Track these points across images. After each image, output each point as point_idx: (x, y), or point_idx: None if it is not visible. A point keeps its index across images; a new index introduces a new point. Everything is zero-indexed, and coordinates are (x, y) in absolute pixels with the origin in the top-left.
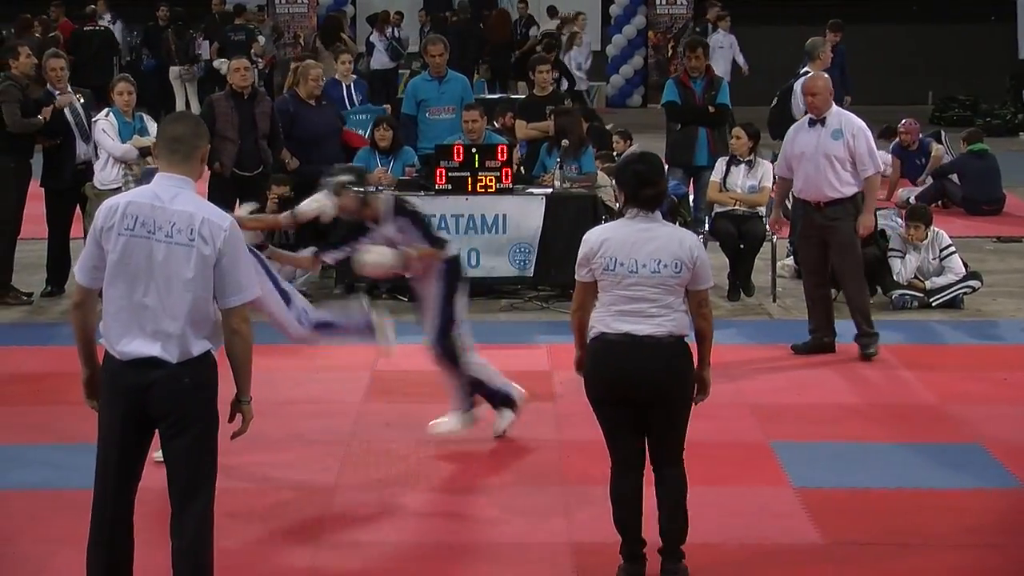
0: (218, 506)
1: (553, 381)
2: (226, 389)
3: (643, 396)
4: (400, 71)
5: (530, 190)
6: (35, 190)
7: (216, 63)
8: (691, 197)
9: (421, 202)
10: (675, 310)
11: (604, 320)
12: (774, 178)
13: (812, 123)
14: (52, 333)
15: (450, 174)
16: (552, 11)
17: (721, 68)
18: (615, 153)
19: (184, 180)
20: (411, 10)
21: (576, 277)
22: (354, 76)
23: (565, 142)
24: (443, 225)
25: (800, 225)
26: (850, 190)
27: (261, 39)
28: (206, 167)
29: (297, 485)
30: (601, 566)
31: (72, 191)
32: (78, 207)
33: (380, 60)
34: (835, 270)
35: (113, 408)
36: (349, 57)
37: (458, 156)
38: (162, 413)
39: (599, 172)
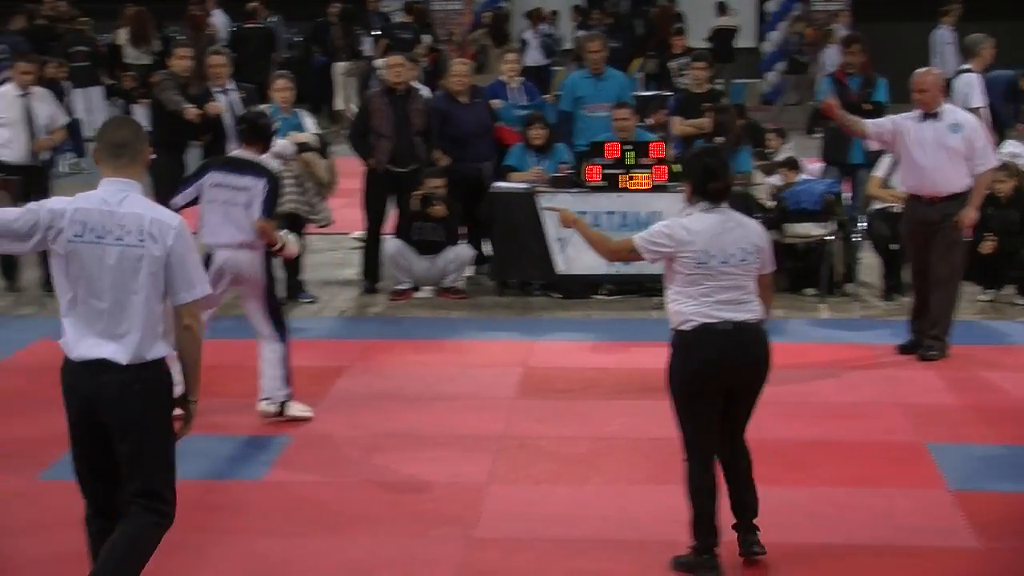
0: (371, 500)
1: None
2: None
3: (744, 381)
4: (553, 68)
5: (683, 188)
6: None
7: (378, 61)
8: (847, 195)
9: (574, 199)
10: (755, 295)
11: (702, 310)
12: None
13: (924, 117)
14: (210, 326)
15: (604, 171)
16: (722, 8)
17: (951, 65)
18: (769, 151)
19: (130, 183)
20: (565, 7)
21: (641, 244)
22: (521, 79)
23: (720, 139)
24: (595, 222)
25: (908, 221)
26: (965, 184)
27: (426, 38)
28: (368, 162)
29: (449, 480)
30: (747, 561)
31: None
32: None
33: (534, 57)
34: (933, 267)
35: (69, 409)
36: (515, 57)
37: (612, 153)
38: (110, 416)
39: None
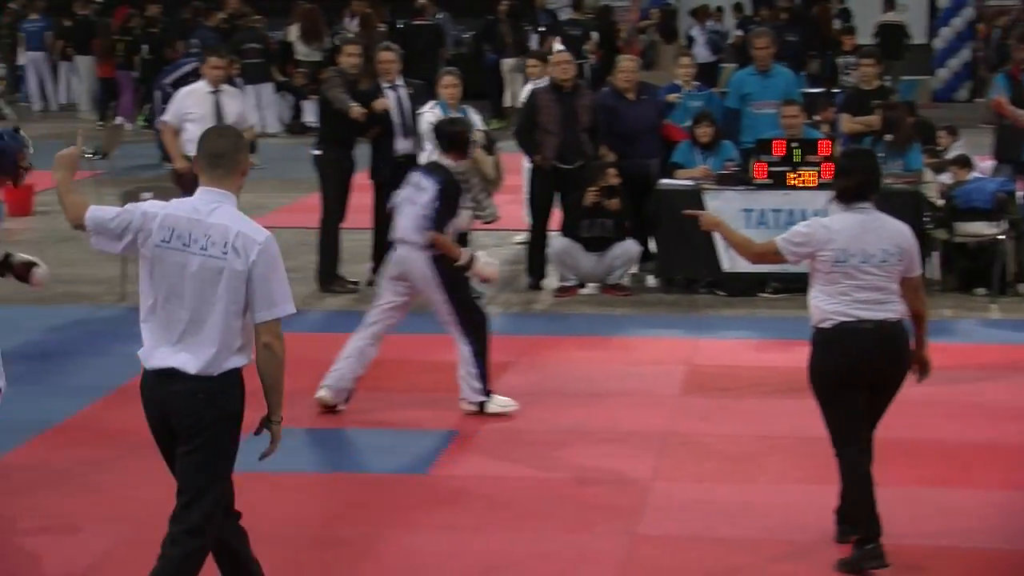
0: (535, 495)
1: None
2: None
3: (881, 379)
4: (720, 65)
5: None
6: (366, 182)
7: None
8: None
9: (740, 196)
10: (898, 295)
11: (840, 309)
12: None
13: None
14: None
15: (770, 169)
16: (889, 3)
17: None
18: (939, 149)
19: (224, 194)
20: (729, 3)
21: (783, 245)
22: (696, 83)
23: (889, 137)
24: (762, 220)
25: None
26: None
27: (595, 35)
28: (534, 159)
29: (613, 476)
30: (918, 566)
31: (393, 183)
32: None
33: (701, 54)
34: None
35: (148, 421)
36: (689, 60)
37: (779, 150)
38: (178, 424)
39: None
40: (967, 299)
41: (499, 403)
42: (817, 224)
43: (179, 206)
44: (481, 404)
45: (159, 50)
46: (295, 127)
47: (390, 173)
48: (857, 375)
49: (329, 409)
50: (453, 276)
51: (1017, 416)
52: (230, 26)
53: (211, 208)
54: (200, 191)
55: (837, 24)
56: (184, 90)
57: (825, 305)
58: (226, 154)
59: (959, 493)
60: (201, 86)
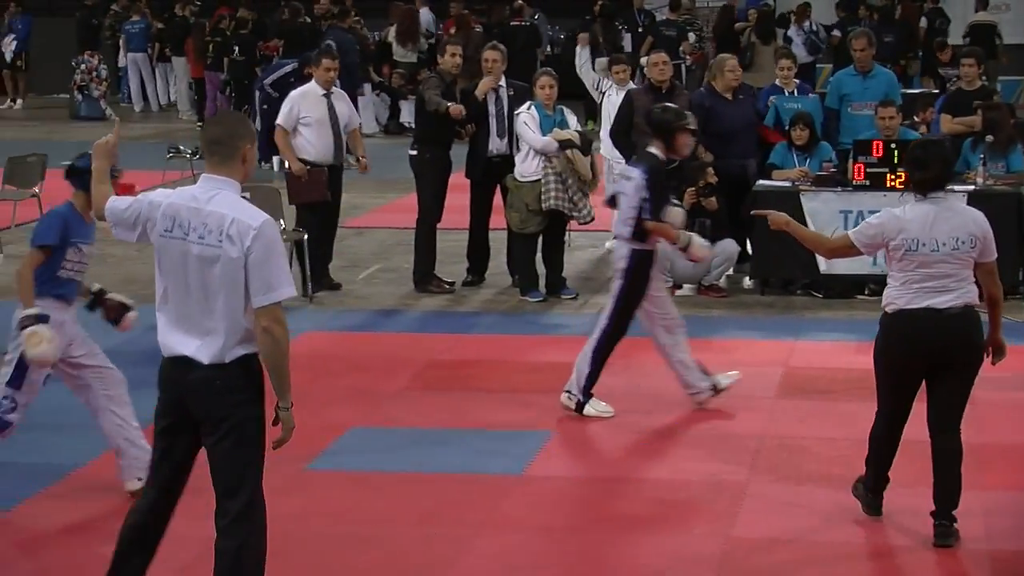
0: (630, 497)
1: None
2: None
3: (944, 363)
4: (818, 65)
5: (952, 187)
6: (464, 181)
7: (642, 59)
8: None
9: (838, 198)
10: (968, 282)
11: (905, 296)
12: None
13: None
14: (473, 322)
15: (868, 170)
16: (983, 2)
17: None
18: None
19: (225, 181)
20: (828, 4)
21: (856, 239)
22: (797, 82)
23: (990, 138)
24: (859, 221)
25: None
26: None
27: (691, 36)
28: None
29: (709, 478)
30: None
31: (488, 182)
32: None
33: (799, 54)
34: None
35: (160, 401)
36: (789, 63)
37: (877, 151)
38: (199, 413)
39: None
40: None
41: (597, 408)
42: (889, 215)
43: (181, 195)
44: (579, 404)
45: (250, 51)
46: (392, 127)
47: (483, 172)
48: (912, 359)
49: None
50: (638, 276)
51: None
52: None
53: (210, 196)
54: (201, 179)
55: (923, 23)
56: (297, 93)
57: (892, 291)
58: (222, 140)
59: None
60: (314, 88)
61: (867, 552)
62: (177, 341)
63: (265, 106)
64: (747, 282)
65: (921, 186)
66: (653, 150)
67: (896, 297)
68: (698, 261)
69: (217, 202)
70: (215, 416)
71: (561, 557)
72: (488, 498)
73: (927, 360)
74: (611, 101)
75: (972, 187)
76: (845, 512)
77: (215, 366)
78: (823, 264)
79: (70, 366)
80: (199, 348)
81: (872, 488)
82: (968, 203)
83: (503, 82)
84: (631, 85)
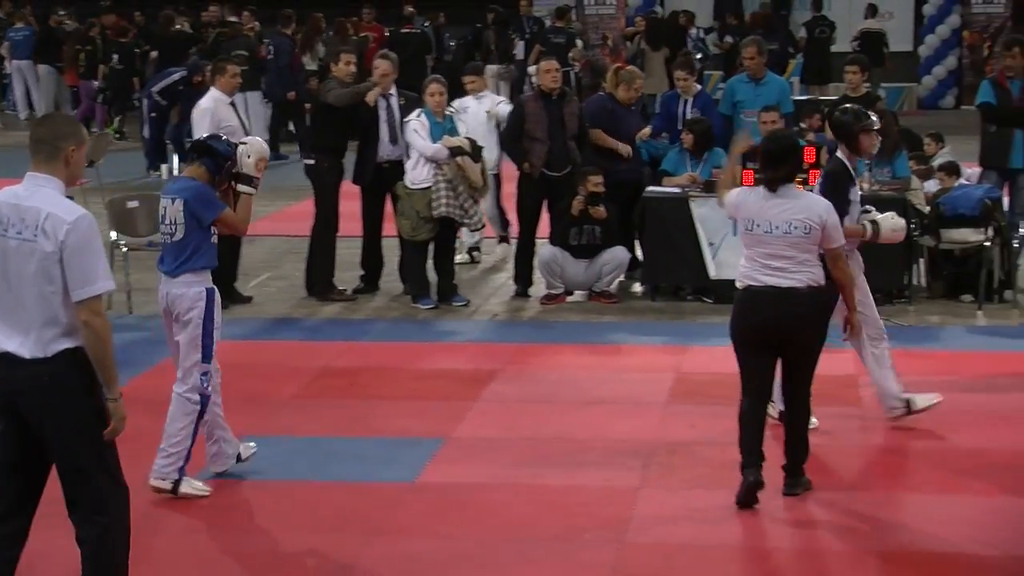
0: (523, 504)
1: (859, 386)
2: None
3: (786, 338)
4: (706, 72)
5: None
6: (353, 189)
7: (531, 67)
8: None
9: None
10: (810, 264)
11: (750, 274)
12: None
13: None
14: (365, 329)
15: (757, 175)
16: (872, 10)
17: None
18: (927, 156)
19: (47, 179)
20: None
21: (727, 200)
22: (698, 87)
23: None
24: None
25: None
26: None
27: (579, 43)
28: (522, 167)
29: (601, 485)
30: (908, 572)
31: (379, 189)
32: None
33: None
34: None
35: None
36: (684, 73)
37: None
38: (27, 410)
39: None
40: (954, 306)
41: (927, 399)
42: (742, 191)
43: (5, 193)
44: (908, 407)
45: (130, 60)
46: (281, 135)
47: (373, 179)
48: (758, 333)
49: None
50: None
51: (1004, 422)
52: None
53: (31, 192)
54: (26, 177)
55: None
56: (208, 102)
57: (741, 268)
58: (46, 140)
59: (948, 500)
60: (220, 96)
61: (758, 555)
62: (2, 337)
63: (153, 114)
64: (638, 288)
65: (771, 184)
66: (839, 154)
67: (745, 275)
68: (896, 241)
69: (36, 198)
70: (47, 412)
71: (454, 564)
72: (381, 506)
73: (773, 335)
74: (469, 112)
75: (859, 193)
76: (737, 516)
77: (38, 360)
78: (713, 270)
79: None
80: (21, 344)
81: (744, 465)
82: None
83: (393, 90)
84: (486, 93)
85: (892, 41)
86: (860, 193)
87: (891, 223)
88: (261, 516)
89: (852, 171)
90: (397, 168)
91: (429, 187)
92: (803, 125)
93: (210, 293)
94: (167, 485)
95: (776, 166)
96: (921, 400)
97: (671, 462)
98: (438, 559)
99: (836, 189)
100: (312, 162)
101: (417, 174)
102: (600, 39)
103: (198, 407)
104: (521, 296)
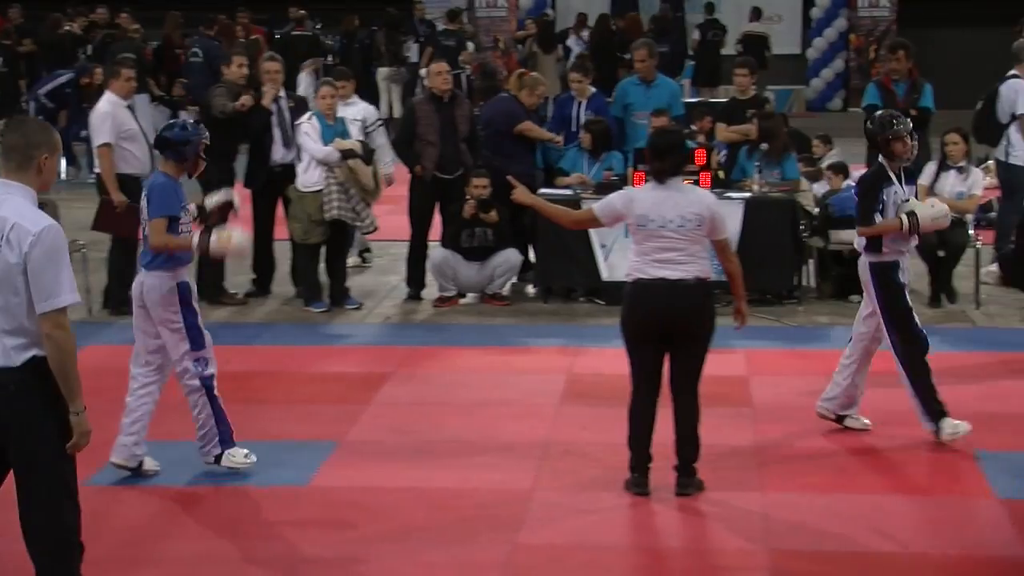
0: (416, 506)
1: (751, 386)
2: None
3: (676, 331)
4: None
5: (729, 194)
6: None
7: (422, 70)
8: None
9: None
10: (699, 257)
11: (641, 268)
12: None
13: None
14: (257, 333)
15: (648, 177)
16: (756, 13)
17: None
18: (815, 157)
19: (17, 187)
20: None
21: (599, 211)
22: (592, 90)
23: (764, 146)
24: None
25: None
26: None
27: (471, 45)
28: (414, 170)
29: (494, 486)
30: (799, 571)
31: (271, 193)
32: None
33: None
34: None
35: None
36: (578, 75)
37: None
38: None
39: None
40: (842, 306)
41: (952, 427)
42: (626, 193)
43: None
44: (936, 428)
45: (14, 62)
46: None
47: (265, 183)
48: (648, 326)
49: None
50: (886, 286)
51: (891, 421)
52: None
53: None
54: None
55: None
56: (107, 104)
57: (631, 263)
58: (18, 148)
59: (836, 498)
60: (116, 100)
61: (650, 556)
62: None
63: (40, 116)
64: (530, 290)
65: (659, 175)
66: (881, 159)
67: (634, 268)
68: (941, 228)
69: (4, 207)
70: (10, 421)
71: (347, 567)
72: (274, 510)
73: (661, 327)
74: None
75: (748, 194)
76: (629, 517)
77: (5, 370)
78: (605, 272)
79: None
80: None
81: (635, 466)
82: (745, 210)
83: (282, 92)
84: (355, 99)
85: (780, 44)
86: (749, 195)
87: (930, 212)
88: (152, 521)
89: (892, 175)
90: (289, 171)
91: (321, 190)
92: (694, 127)
93: (182, 287)
94: (210, 460)
95: (662, 157)
96: (859, 423)
97: (563, 463)
98: (331, 562)
99: (864, 191)
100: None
101: (308, 177)
102: (492, 42)
103: (203, 390)
104: (414, 299)
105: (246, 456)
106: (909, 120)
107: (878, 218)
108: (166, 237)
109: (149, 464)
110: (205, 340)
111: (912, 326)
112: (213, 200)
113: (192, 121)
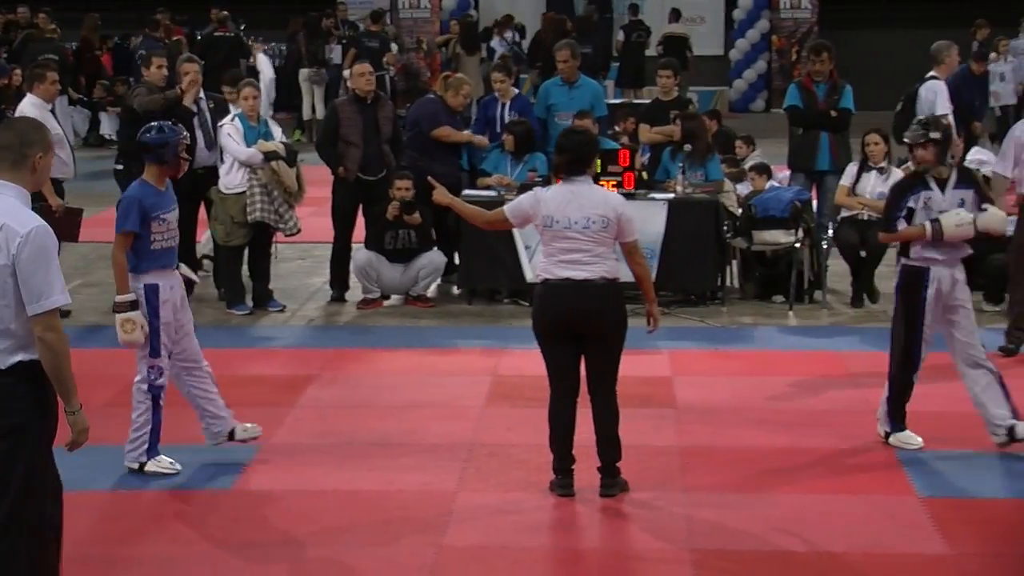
0: (340, 509)
1: (674, 386)
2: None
3: (585, 331)
4: (521, 76)
5: (652, 195)
6: None
7: (346, 71)
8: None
9: None
10: (606, 258)
11: (549, 268)
12: None
13: None
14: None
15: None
16: (675, 15)
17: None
18: (738, 158)
19: (9, 187)
20: (533, 15)
21: (508, 212)
22: (516, 91)
23: (688, 147)
24: None
25: None
26: None
27: (394, 47)
28: (337, 171)
29: (419, 488)
30: (721, 571)
31: (193, 195)
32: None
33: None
34: None
35: None
36: (501, 76)
37: None
38: None
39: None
40: (765, 306)
41: (907, 439)
42: (533, 194)
43: None
44: (889, 433)
45: None
46: (92, 140)
47: (190, 185)
48: (558, 326)
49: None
50: (908, 296)
51: (812, 422)
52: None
53: None
54: None
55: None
56: (30, 111)
57: (540, 263)
58: (12, 147)
59: (763, 498)
60: (40, 103)
61: (574, 557)
62: None
63: None
64: (455, 292)
65: (559, 169)
66: (910, 164)
67: (543, 269)
68: (965, 238)
69: None
70: (4, 423)
71: (272, 571)
72: (197, 514)
73: (570, 328)
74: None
75: (672, 195)
76: (554, 518)
77: None
78: (529, 273)
79: (175, 330)
80: None
81: (558, 468)
82: (668, 211)
83: (202, 94)
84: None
85: (703, 46)
86: (673, 195)
87: (954, 219)
88: (74, 526)
89: (930, 181)
90: (211, 173)
91: (243, 192)
92: (617, 128)
93: (148, 290)
94: (134, 466)
95: (567, 154)
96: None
97: (488, 464)
98: (255, 565)
99: (889, 198)
100: (121, 167)
101: (231, 179)
102: (415, 43)
103: (149, 397)
104: (337, 301)
105: (171, 463)
106: (935, 127)
107: (902, 224)
108: (118, 253)
109: (240, 432)
110: (162, 350)
111: (914, 347)
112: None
113: (170, 123)
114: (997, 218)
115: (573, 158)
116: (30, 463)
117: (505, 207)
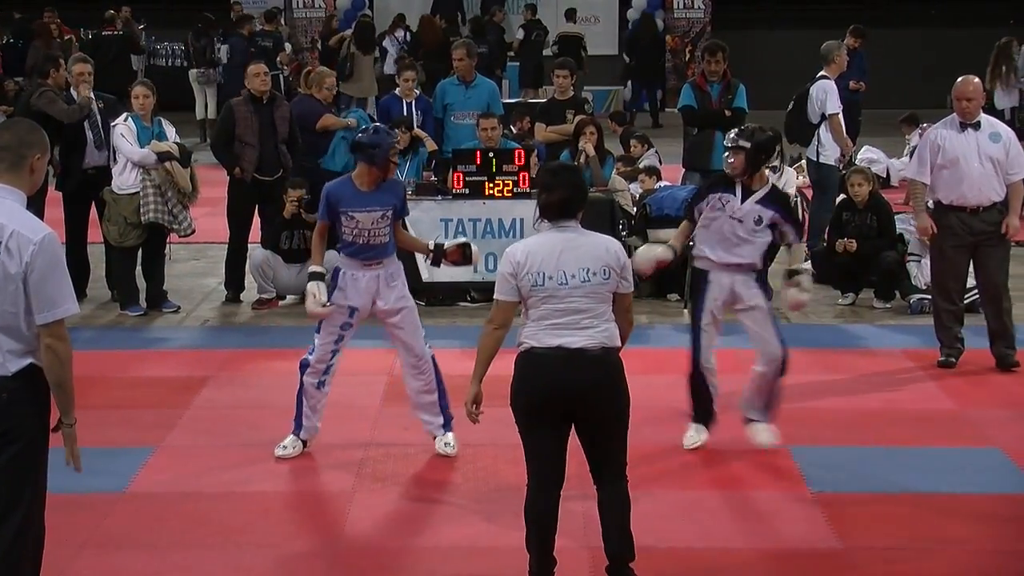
0: (235, 511)
1: None
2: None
3: (582, 410)
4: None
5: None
6: (55, 195)
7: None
8: None
9: (438, 206)
10: (605, 320)
11: (536, 335)
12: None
13: (963, 127)
14: (72, 337)
15: (467, 178)
16: (570, 14)
17: None
18: (634, 158)
19: (9, 191)
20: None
21: (497, 296)
22: (417, 92)
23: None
24: (460, 229)
25: (952, 233)
26: (1002, 194)
27: (288, 46)
28: (233, 172)
29: (315, 489)
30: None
31: (84, 196)
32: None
33: (391, 65)
34: (990, 276)
35: None
36: (413, 75)
37: (476, 160)
38: None
39: (615, 176)
40: (661, 304)
41: (771, 435)
42: (508, 255)
43: None
44: (758, 424)
45: None
46: None
47: (78, 186)
48: (544, 405)
49: None
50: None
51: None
52: None
53: None
54: None
55: (521, 34)
56: None
57: (525, 329)
58: (10, 148)
59: (658, 494)
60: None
61: (473, 555)
62: None
63: None
64: None
65: (546, 210)
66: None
67: (527, 336)
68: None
69: (0, 213)
70: (6, 429)
71: (166, 574)
72: (90, 517)
73: (563, 406)
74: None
75: None
76: (451, 517)
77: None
78: (425, 272)
79: (380, 319)
80: None
81: (537, 573)
82: None
83: (92, 93)
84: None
85: (598, 45)
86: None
87: (646, 254)
88: None
89: (733, 184)
90: (102, 174)
91: (137, 192)
92: (513, 128)
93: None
94: None
95: (559, 193)
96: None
97: (385, 465)
98: (149, 569)
99: (702, 187)
100: None
101: (124, 179)
102: (309, 42)
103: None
104: (233, 301)
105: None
106: (747, 137)
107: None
108: (315, 233)
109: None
110: (324, 331)
111: (695, 345)
112: (453, 242)
113: (386, 127)
114: (642, 258)
115: (566, 198)
116: (41, 468)
117: (496, 298)
